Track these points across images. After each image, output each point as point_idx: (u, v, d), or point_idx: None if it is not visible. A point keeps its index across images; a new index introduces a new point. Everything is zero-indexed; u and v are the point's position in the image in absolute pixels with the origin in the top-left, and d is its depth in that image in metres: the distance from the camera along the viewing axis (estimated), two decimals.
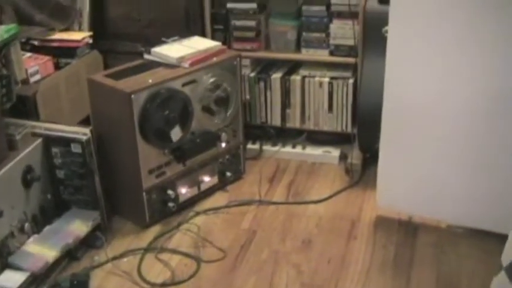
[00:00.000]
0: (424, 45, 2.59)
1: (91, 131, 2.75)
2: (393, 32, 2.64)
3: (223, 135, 3.18)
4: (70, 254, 2.72)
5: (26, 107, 2.97)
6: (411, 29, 2.59)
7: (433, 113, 2.67)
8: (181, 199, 3.08)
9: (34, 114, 2.99)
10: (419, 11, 2.55)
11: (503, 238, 1.77)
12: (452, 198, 2.78)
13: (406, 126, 2.75)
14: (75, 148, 2.73)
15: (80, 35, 3.45)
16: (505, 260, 1.72)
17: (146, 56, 3.08)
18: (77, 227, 2.77)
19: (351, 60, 3.38)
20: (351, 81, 3.41)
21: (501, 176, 2.61)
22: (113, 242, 2.88)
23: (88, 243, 2.81)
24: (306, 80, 3.49)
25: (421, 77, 2.64)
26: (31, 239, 2.68)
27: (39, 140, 2.74)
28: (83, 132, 2.73)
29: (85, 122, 3.18)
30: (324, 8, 3.39)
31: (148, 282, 2.63)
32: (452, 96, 2.61)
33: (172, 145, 2.93)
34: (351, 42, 3.35)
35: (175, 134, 2.89)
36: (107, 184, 2.88)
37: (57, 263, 2.64)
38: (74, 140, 2.72)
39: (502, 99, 2.51)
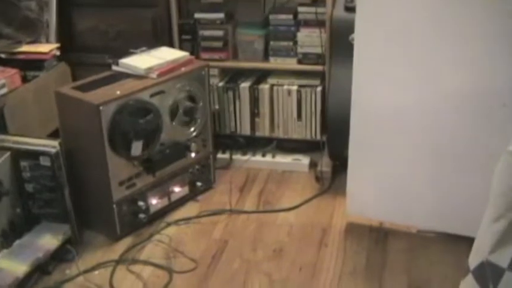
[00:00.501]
0: (390, 52, 2.62)
1: (60, 144, 2.73)
2: (359, 39, 2.66)
3: (193, 146, 3.18)
4: (41, 269, 2.70)
5: None
6: (377, 36, 2.62)
7: (401, 119, 2.70)
8: (152, 210, 3.07)
9: (2, 128, 2.97)
10: (384, 19, 2.58)
11: (473, 241, 1.78)
12: (422, 203, 2.81)
13: (375, 132, 2.77)
14: (44, 161, 2.71)
15: (47, 48, 3.43)
16: (472, 263, 1.73)
17: (114, 68, 3.07)
18: (48, 241, 2.75)
19: (318, 68, 3.41)
20: (319, 89, 3.43)
21: (469, 180, 2.64)
22: (84, 255, 2.85)
23: (59, 257, 2.79)
24: (275, 88, 3.50)
25: (388, 83, 2.67)
26: (0, 254, 2.65)
27: (8, 154, 2.72)
28: (52, 145, 2.72)
29: (54, 134, 3.16)
30: (291, 16, 3.42)
31: None
32: (419, 102, 2.63)
33: (142, 156, 2.92)
34: (318, 50, 3.38)
35: (136, 148, 2.88)
36: (77, 197, 2.86)
37: (28, 277, 2.61)
38: (42, 153, 2.70)
39: (469, 104, 2.54)
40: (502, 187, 1.58)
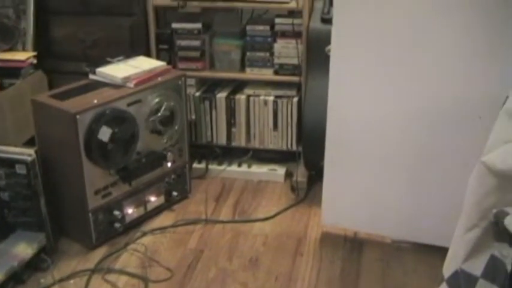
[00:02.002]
0: (366, 64, 2.64)
1: (36, 152, 2.72)
2: (336, 50, 2.69)
3: (169, 155, 3.18)
4: (15, 277, 2.68)
5: None
6: (353, 48, 2.65)
7: (376, 130, 2.73)
8: (128, 219, 3.07)
9: None
10: (361, 31, 2.60)
11: (446, 251, 1.81)
12: (396, 213, 2.83)
13: (350, 143, 2.79)
14: (20, 169, 2.69)
15: (24, 55, 3.42)
16: (446, 272, 1.76)
17: (91, 76, 3.07)
18: (22, 249, 2.74)
19: (295, 79, 3.42)
20: (295, 99, 3.45)
21: (443, 191, 2.67)
22: (59, 264, 2.84)
23: (34, 265, 2.77)
24: (251, 99, 3.52)
25: (364, 95, 2.69)
26: None
27: None
28: (28, 153, 2.70)
29: (30, 142, 3.15)
30: (268, 27, 3.43)
31: None
32: (394, 113, 2.66)
33: (118, 165, 2.92)
34: (294, 61, 3.39)
35: (104, 134, 2.83)
36: (52, 205, 2.85)
37: (2, 286, 2.59)
38: (18, 161, 2.69)
39: (444, 116, 2.57)
40: (475, 197, 1.60)
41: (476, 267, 1.64)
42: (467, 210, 1.65)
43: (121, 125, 2.86)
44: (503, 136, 1.61)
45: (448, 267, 1.76)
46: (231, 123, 3.59)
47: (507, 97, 1.69)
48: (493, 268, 1.59)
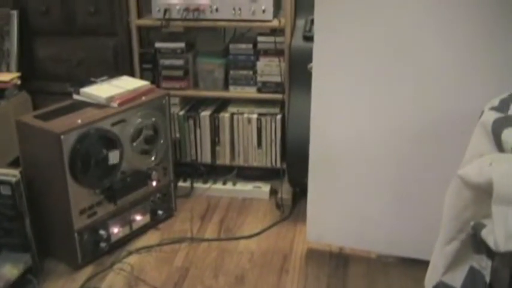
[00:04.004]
0: (348, 81, 2.66)
1: (21, 173, 2.72)
2: (317, 68, 2.71)
3: (154, 174, 3.19)
4: None
5: None
6: (335, 65, 2.67)
7: (359, 147, 2.74)
8: (114, 239, 3.07)
9: None
10: (342, 48, 2.63)
11: None
12: (381, 228, 2.85)
13: (333, 160, 2.81)
14: (5, 190, 2.69)
15: (8, 76, 3.43)
16: (428, 285, 1.77)
17: (75, 97, 3.08)
18: (8, 270, 2.73)
19: (278, 96, 3.45)
20: (278, 117, 3.47)
21: (427, 205, 2.68)
22: (45, 285, 2.84)
23: (20, 286, 2.76)
24: (235, 117, 3.53)
25: (346, 111, 2.71)
26: None
27: None
28: (13, 174, 2.71)
29: (14, 163, 3.15)
30: (250, 46, 3.46)
31: None
32: (377, 130, 2.68)
33: (103, 185, 2.93)
34: (277, 79, 3.42)
35: (114, 157, 2.90)
36: (38, 226, 2.85)
37: None
38: (3, 182, 2.69)
39: (427, 132, 2.59)
40: (452, 210, 1.62)
41: (456, 279, 1.66)
42: (445, 224, 1.67)
43: (106, 145, 2.88)
44: (478, 149, 1.64)
45: (430, 280, 1.77)
46: (215, 141, 3.60)
47: (483, 111, 1.71)
48: (473, 280, 1.62)
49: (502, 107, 1.68)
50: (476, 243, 1.57)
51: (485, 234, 1.47)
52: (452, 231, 1.63)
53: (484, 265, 1.57)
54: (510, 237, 1.31)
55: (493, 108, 1.70)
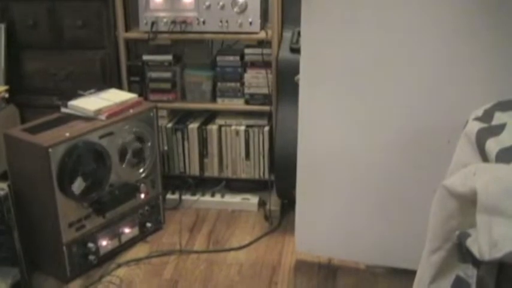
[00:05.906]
0: (334, 92, 2.68)
1: (9, 186, 2.72)
2: (304, 80, 2.72)
3: (142, 186, 3.20)
4: None
5: None
6: (321, 77, 2.68)
7: (347, 158, 2.75)
8: (102, 252, 3.07)
9: None
10: (328, 60, 2.64)
11: None
12: (369, 239, 2.85)
13: (320, 171, 2.82)
14: None
15: None
16: None
17: (63, 110, 3.08)
18: None
19: (265, 108, 3.46)
20: (266, 128, 3.48)
21: (414, 215, 2.68)
22: None
23: None
24: (223, 129, 3.54)
25: (333, 123, 2.72)
26: None
27: None
28: (0, 188, 2.70)
29: (2, 177, 3.14)
30: (238, 58, 3.47)
31: None
32: (364, 141, 2.69)
33: (91, 198, 2.93)
34: (265, 90, 3.43)
35: (79, 186, 2.88)
36: (26, 239, 2.84)
37: None
38: None
39: (414, 142, 2.61)
40: (438, 220, 1.63)
41: None
42: (431, 233, 1.68)
43: (94, 158, 2.88)
44: (463, 159, 1.65)
45: None
46: (203, 153, 3.61)
47: (467, 121, 1.73)
48: None
49: (485, 117, 1.70)
50: (462, 252, 1.58)
51: (470, 243, 1.48)
52: (438, 241, 1.64)
53: (470, 274, 1.58)
54: (494, 246, 1.32)
55: (476, 119, 1.71)
